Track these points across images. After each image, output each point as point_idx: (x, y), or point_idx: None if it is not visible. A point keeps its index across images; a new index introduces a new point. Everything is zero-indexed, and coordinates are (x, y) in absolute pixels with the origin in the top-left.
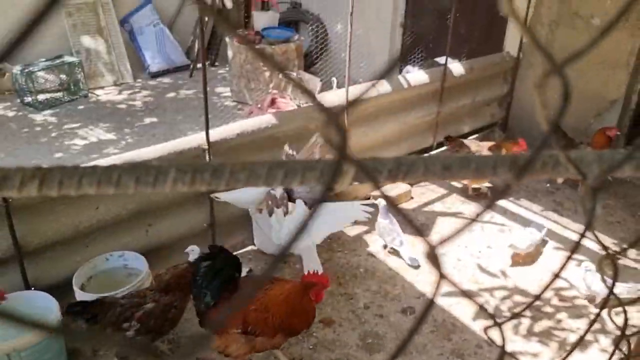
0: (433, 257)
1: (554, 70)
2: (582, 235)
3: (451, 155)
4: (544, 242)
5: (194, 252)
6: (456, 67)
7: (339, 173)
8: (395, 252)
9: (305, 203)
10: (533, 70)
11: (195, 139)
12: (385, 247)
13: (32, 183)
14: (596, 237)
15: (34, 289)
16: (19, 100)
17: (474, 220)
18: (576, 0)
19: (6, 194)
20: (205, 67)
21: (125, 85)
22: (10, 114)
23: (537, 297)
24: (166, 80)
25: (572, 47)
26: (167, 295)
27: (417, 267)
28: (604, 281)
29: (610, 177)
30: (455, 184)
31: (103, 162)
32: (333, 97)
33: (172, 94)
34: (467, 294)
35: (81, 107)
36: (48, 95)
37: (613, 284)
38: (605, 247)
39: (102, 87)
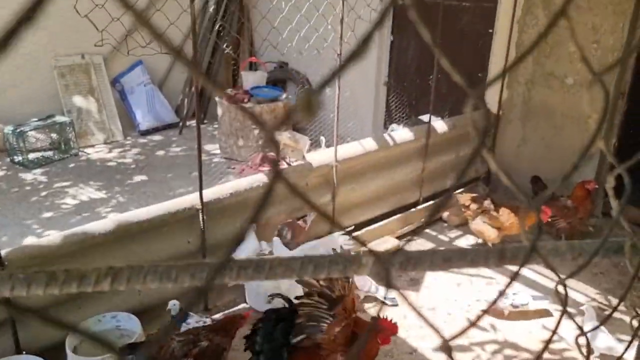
0: (447, 349)
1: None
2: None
3: (450, 249)
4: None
5: (175, 307)
6: (439, 125)
7: (359, 265)
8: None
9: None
10: (512, 126)
11: (188, 199)
12: (363, 298)
13: (105, 280)
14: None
15: (26, 353)
16: (9, 160)
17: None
18: (550, 62)
19: (82, 290)
20: (199, 130)
21: (115, 143)
22: (0, 173)
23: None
24: (156, 137)
25: (549, 104)
26: (218, 335)
27: (395, 305)
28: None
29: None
30: (445, 237)
31: (96, 224)
32: (322, 156)
33: (162, 152)
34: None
35: (72, 165)
36: (39, 154)
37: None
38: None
39: (92, 146)
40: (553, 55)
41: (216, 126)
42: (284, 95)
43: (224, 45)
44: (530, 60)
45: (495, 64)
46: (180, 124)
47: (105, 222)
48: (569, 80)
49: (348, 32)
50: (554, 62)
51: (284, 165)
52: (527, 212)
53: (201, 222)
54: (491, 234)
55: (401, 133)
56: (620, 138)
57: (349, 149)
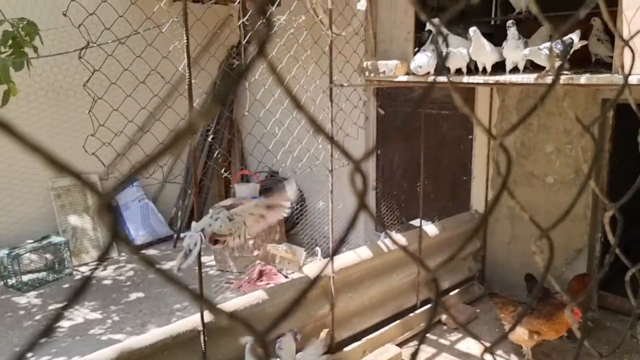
0: None
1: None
2: None
3: None
4: None
5: None
6: (430, 229)
7: None
8: None
9: None
10: (501, 224)
11: (189, 321)
12: None
13: None
14: None
15: None
16: (2, 283)
17: None
18: (530, 163)
19: None
20: (200, 261)
21: (110, 260)
22: None
23: None
24: (150, 252)
25: (533, 202)
26: None
27: None
28: None
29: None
30: (446, 341)
31: (98, 354)
32: (318, 267)
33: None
34: None
35: (66, 285)
36: (32, 276)
37: None
38: None
39: (86, 264)
40: (531, 156)
41: None
42: None
43: (216, 155)
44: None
45: (478, 167)
46: (175, 237)
47: (106, 352)
48: (549, 179)
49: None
50: (533, 162)
51: (281, 277)
52: (570, 311)
53: (202, 344)
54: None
55: (394, 239)
56: (604, 231)
57: (345, 259)
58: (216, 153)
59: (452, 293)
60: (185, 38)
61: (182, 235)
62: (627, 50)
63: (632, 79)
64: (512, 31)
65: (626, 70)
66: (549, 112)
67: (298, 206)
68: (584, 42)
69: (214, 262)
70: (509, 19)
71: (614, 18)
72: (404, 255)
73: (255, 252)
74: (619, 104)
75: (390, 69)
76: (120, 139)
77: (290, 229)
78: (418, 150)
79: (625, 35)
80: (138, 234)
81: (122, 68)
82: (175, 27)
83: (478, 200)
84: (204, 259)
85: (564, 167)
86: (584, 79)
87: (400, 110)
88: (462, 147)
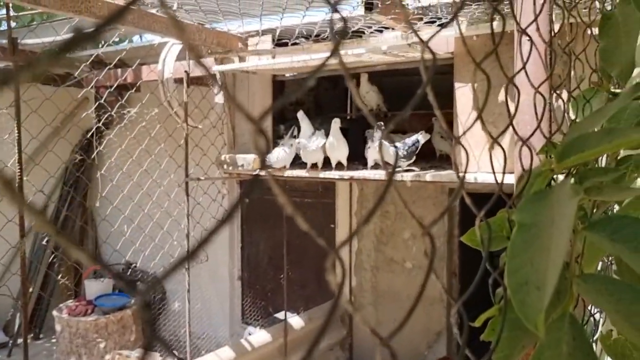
0: None
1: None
2: None
3: None
4: None
5: None
6: (296, 321)
7: None
8: None
9: None
10: (366, 310)
11: None
12: None
13: None
14: None
15: None
16: None
17: None
18: (389, 249)
19: None
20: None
21: None
22: None
23: None
24: None
25: (394, 288)
26: None
27: None
28: None
29: None
30: None
31: None
32: None
33: None
34: None
35: None
36: None
37: None
38: None
39: None
40: (391, 242)
41: (54, 341)
42: (133, 301)
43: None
44: (372, 248)
45: (342, 256)
46: (10, 343)
47: None
48: (407, 264)
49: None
50: (392, 248)
51: None
52: None
53: None
54: None
55: (258, 336)
56: (460, 314)
57: None
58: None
59: None
60: (17, 131)
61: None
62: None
63: (469, 177)
64: (378, 132)
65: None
66: (405, 201)
67: (158, 300)
68: (427, 136)
69: None
70: (363, 115)
71: (451, 119)
72: (269, 352)
73: (107, 357)
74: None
75: (249, 162)
76: None
77: (150, 325)
78: (283, 239)
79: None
80: None
81: None
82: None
83: (344, 287)
84: None
85: (420, 252)
86: (429, 176)
87: (264, 198)
88: (325, 235)
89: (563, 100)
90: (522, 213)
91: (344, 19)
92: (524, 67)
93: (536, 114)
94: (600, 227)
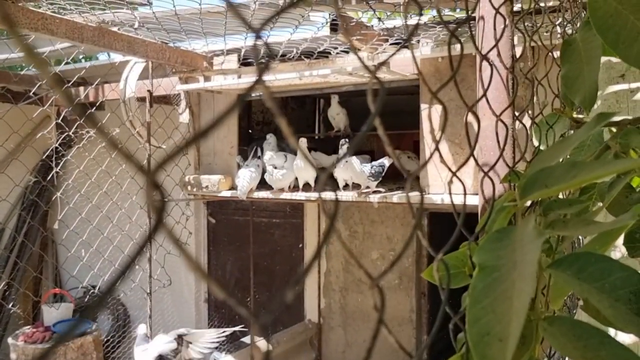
0: None
1: None
2: None
3: None
4: None
5: None
6: (262, 344)
7: None
8: None
9: None
10: (335, 332)
11: None
12: None
13: None
14: None
15: None
16: None
17: None
18: (358, 270)
19: None
20: None
21: None
22: None
23: None
24: None
25: (363, 309)
26: None
27: None
28: None
29: None
30: None
31: None
32: None
33: None
34: None
35: None
36: None
37: None
38: None
39: None
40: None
41: None
42: (94, 326)
43: (18, 272)
44: (340, 269)
45: (310, 276)
46: None
47: None
48: None
49: (158, 269)
50: (361, 269)
51: None
52: None
53: None
54: None
55: None
56: (429, 334)
57: None
58: (17, 270)
59: None
60: None
61: None
62: (428, 172)
63: (437, 198)
64: (344, 149)
65: (426, 190)
66: (372, 221)
67: (120, 326)
68: (391, 161)
69: None
70: (331, 135)
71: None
72: None
73: None
74: (431, 212)
75: (214, 183)
76: None
77: (110, 353)
78: (250, 260)
79: (426, 157)
80: None
81: None
82: None
83: (312, 309)
84: None
85: (389, 273)
86: (396, 197)
87: (231, 218)
88: (293, 256)
89: (525, 127)
90: (484, 254)
91: (267, 45)
92: (484, 95)
93: (498, 142)
94: (566, 265)
